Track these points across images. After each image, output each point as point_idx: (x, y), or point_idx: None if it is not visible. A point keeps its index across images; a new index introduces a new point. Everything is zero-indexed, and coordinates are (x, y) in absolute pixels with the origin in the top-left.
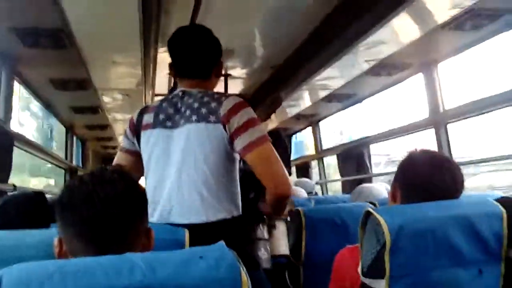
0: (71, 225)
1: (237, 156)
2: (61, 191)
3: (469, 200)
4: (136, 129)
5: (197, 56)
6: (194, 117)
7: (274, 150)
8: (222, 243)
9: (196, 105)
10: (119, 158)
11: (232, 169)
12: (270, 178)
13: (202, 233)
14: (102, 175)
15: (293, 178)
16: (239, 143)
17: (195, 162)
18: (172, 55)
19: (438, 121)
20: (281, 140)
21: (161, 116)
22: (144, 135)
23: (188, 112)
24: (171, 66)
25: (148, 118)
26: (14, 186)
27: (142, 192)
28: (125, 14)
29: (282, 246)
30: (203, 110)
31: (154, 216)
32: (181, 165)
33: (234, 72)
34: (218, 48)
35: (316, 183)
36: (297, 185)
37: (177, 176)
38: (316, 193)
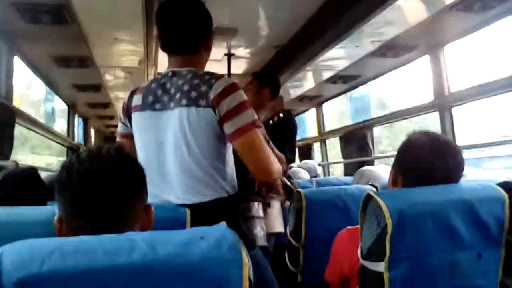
0: (70, 203)
1: None
2: (59, 169)
3: (470, 184)
4: (127, 111)
5: (181, 28)
6: (184, 101)
7: (261, 137)
8: (223, 223)
9: (186, 87)
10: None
11: (225, 150)
12: (254, 165)
13: (198, 213)
14: (99, 152)
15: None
16: (227, 128)
17: (187, 145)
18: (158, 29)
19: (443, 104)
20: (290, 122)
21: (150, 98)
22: (134, 117)
23: (178, 95)
24: (161, 42)
25: (137, 99)
26: (16, 163)
27: (139, 168)
28: None
29: (277, 224)
30: (193, 94)
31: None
32: (174, 149)
33: (237, 51)
34: (205, 19)
35: (318, 165)
36: (301, 167)
37: (170, 159)
38: (317, 175)
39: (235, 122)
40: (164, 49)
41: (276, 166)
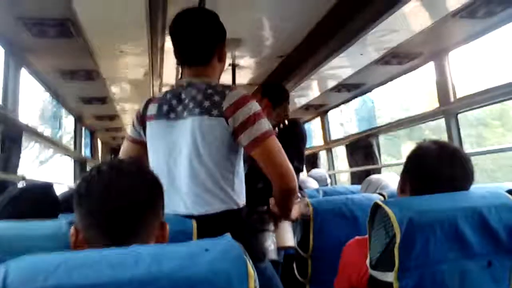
0: (88, 215)
1: (241, 149)
2: (79, 181)
3: (480, 192)
4: (142, 119)
5: (194, 40)
6: (197, 110)
7: (278, 143)
8: (228, 235)
9: (199, 97)
10: (126, 147)
11: (236, 161)
12: (275, 171)
13: (207, 224)
14: (120, 167)
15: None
16: (244, 139)
17: (199, 155)
18: (172, 41)
19: (449, 110)
20: (296, 130)
21: (165, 107)
22: (149, 126)
23: (191, 105)
24: (175, 54)
25: (152, 109)
26: (24, 176)
27: (158, 184)
28: (132, 3)
29: (288, 238)
30: (206, 103)
31: None
32: (185, 158)
33: (242, 61)
34: (218, 30)
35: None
36: (311, 176)
37: (181, 168)
38: (327, 184)
39: (251, 132)
40: (178, 60)
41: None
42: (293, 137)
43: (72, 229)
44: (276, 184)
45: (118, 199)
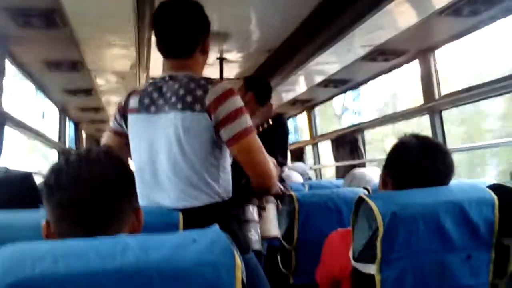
0: (58, 207)
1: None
2: (48, 172)
3: (461, 186)
4: (123, 112)
5: (176, 31)
6: (179, 105)
7: (259, 141)
8: (216, 226)
9: (181, 91)
10: (107, 138)
11: (220, 155)
12: (252, 170)
13: (193, 217)
14: (88, 155)
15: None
16: (224, 134)
17: (182, 151)
18: (154, 32)
19: (433, 107)
20: (280, 126)
21: (146, 101)
22: (130, 119)
23: (173, 99)
24: (157, 45)
25: (133, 102)
26: (6, 168)
27: (129, 171)
28: None
29: (273, 228)
30: (189, 98)
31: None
32: (168, 153)
33: (229, 55)
34: (201, 22)
35: (310, 169)
36: (290, 169)
37: (164, 163)
38: (309, 178)
39: (233, 127)
40: (161, 52)
41: (274, 170)
42: (278, 132)
43: (43, 223)
44: (253, 181)
45: (89, 189)
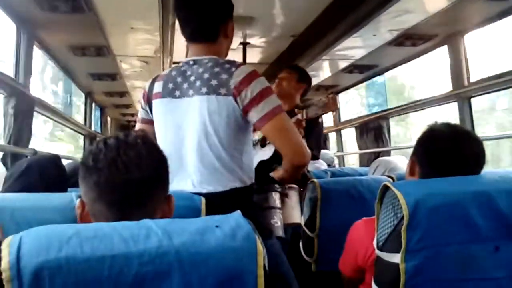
0: (94, 187)
1: (250, 127)
2: (85, 154)
3: (490, 176)
4: (148, 98)
5: (200, 16)
6: (204, 89)
7: (289, 120)
8: (238, 212)
9: (206, 75)
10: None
11: (244, 140)
12: (288, 147)
13: (215, 202)
14: (126, 139)
15: None
16: (253, 115)
17: (207, 136)
18: (177, 16)
19: (462, 94)
20: (319, 124)
21: (170, 85)
22: (155, 104)
23: (198, 83)
24: (181, 30)
25: (158, 87)
26: (35, 150)
27: (164, 158)
28: None
29: (295, 215)
30: (214, 82)
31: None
32: (193, 138)
33: (253, 40)
34: (225, 5)
35: (334, 155)
36: None
37: (189, 148)
38: (334, 166)
39: (262, 108)
40: (185, 37)
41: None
42: (316, 129)
43: (78, 202)
44: (287, 159)
45: (126, 171)
